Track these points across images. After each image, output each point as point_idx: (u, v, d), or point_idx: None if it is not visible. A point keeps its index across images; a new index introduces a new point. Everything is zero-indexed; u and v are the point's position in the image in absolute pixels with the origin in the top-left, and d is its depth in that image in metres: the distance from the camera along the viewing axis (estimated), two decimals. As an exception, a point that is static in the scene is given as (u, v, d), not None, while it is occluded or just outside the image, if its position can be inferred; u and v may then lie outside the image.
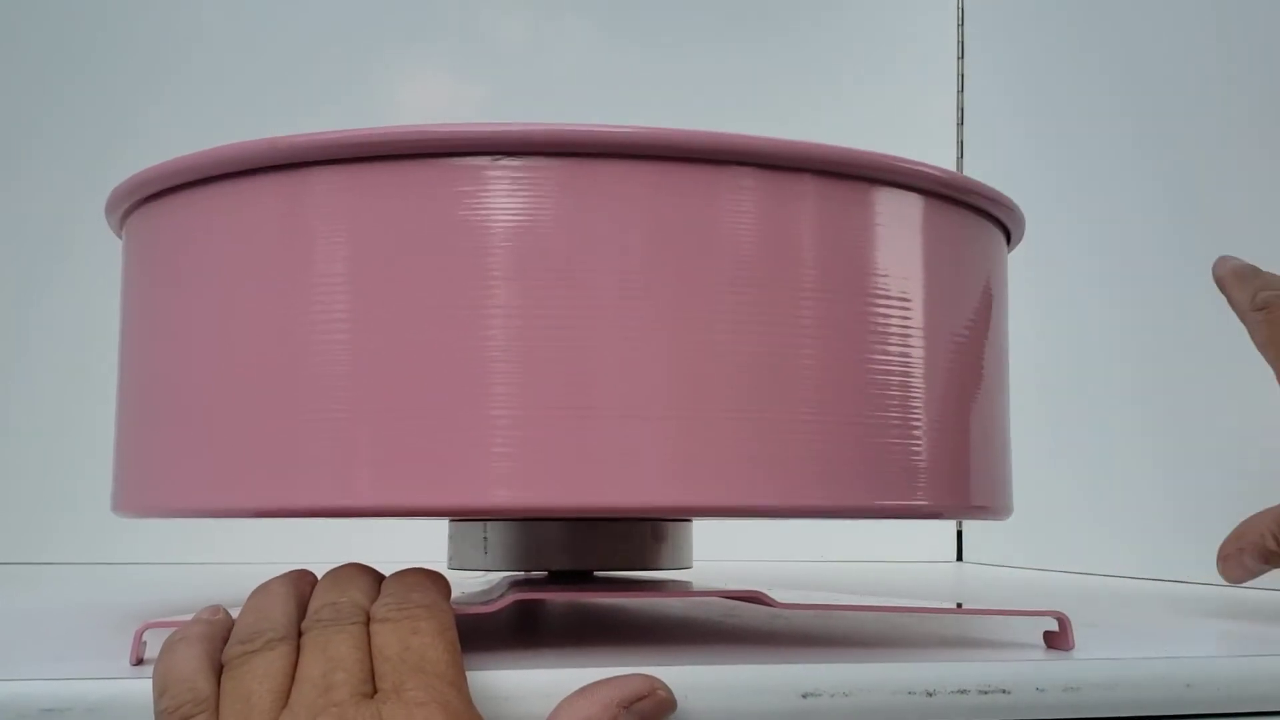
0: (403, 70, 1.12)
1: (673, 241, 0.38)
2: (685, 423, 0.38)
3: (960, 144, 1.17)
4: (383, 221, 0.38)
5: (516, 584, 0.50)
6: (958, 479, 0.43)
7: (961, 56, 1.19)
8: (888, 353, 0.41)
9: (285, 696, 0.33)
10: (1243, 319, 0.58)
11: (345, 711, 0.32)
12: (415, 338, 0.37)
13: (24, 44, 1.04)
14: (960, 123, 1.18)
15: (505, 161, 0.38)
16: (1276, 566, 0.54)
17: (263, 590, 0.38)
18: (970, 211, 0.45)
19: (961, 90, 1.18)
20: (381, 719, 0.32)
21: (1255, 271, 0.59)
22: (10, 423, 1.01)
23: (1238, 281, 0.59)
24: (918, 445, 0.41)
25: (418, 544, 0.65)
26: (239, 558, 0.91)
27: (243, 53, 1.07)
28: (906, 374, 0.41)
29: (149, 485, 0.44)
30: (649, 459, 0.37)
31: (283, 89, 1.06)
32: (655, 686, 0.36)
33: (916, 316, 0.42)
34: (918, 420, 0.42)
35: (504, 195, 0.38)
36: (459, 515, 0.50)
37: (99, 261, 0.68)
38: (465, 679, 0.34)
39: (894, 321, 0.41)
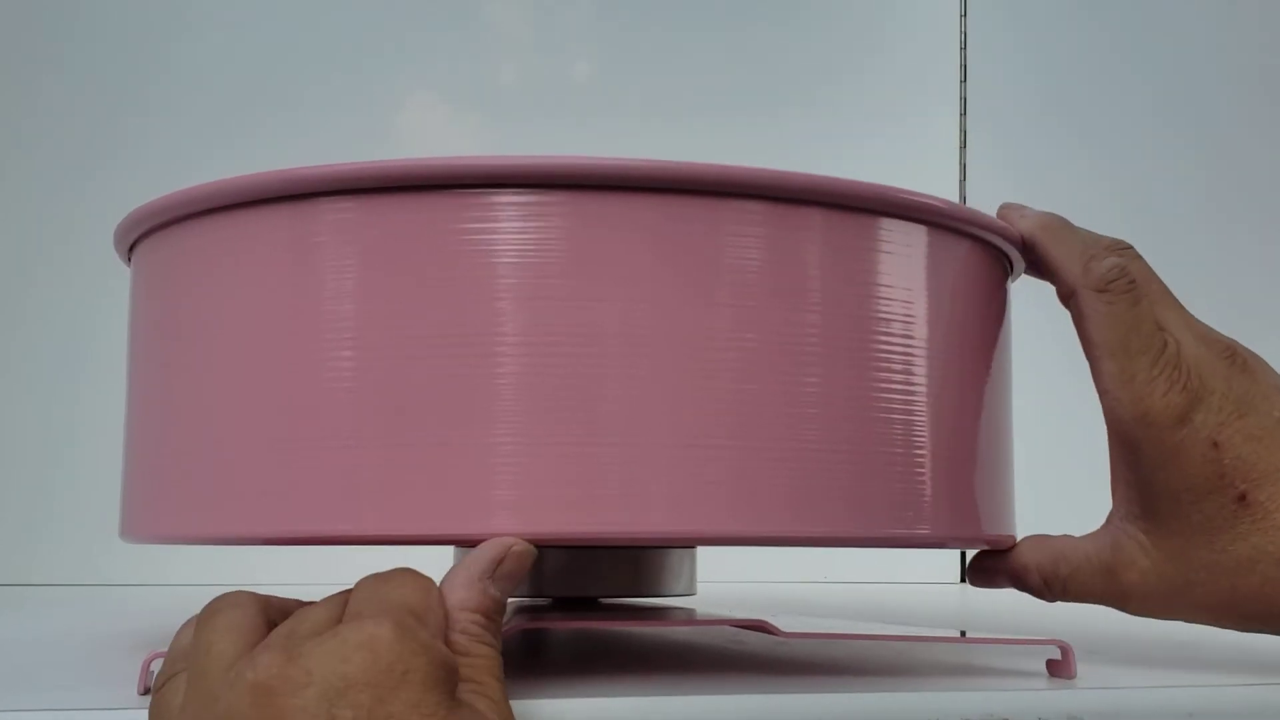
0: (401, 100, 1.13)
1: (678, 272, 0.38)
2: (689, 451, 0.38)
3: (963, 167, 1.18)
4: (390, 252, 0.38)
5: (521, 611, 0.50)
6: (961, 509, 0.43)
7: (964, 80, 1.19)
8: (891, 382, 0.41)
9: None
10: (1067, 299, 0.46)
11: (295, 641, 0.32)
12: (421, 367, 0.38)
13: (26, 74, 1.04)
14: (963, 145, 1.18)
15: (513, 194, 0.38)
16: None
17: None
18: (972, 241, 0.45)
19: (964, 114, 1.18)
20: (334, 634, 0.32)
21: (1073, 229, 0.46)
22: (11, 443, 1.01)
23: (1056, 240, 0.46)
24: (921, 474, 0.42)
25: (423, 571, 0.65)
26: (241, 581, 0.91)
27: (239, 79, 1.07)
28: (910, 403, 0.42)
29: (157, 512, 0.44)
30: (652, 488, 0.38)
31: (280, 118, 1.07)
32: (509, 545, 0.36)
33: (920, 346, 0.42)
34: (921, 450, 0.42)
35: (511, 226, 0.38)
36: (463, 543, 0.50)
37: (102, 282, 0.69)
38: (442, 620, 0.35)
39: (897, 351, 0.41)
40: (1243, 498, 0.41)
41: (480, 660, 0.34)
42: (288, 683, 0.30)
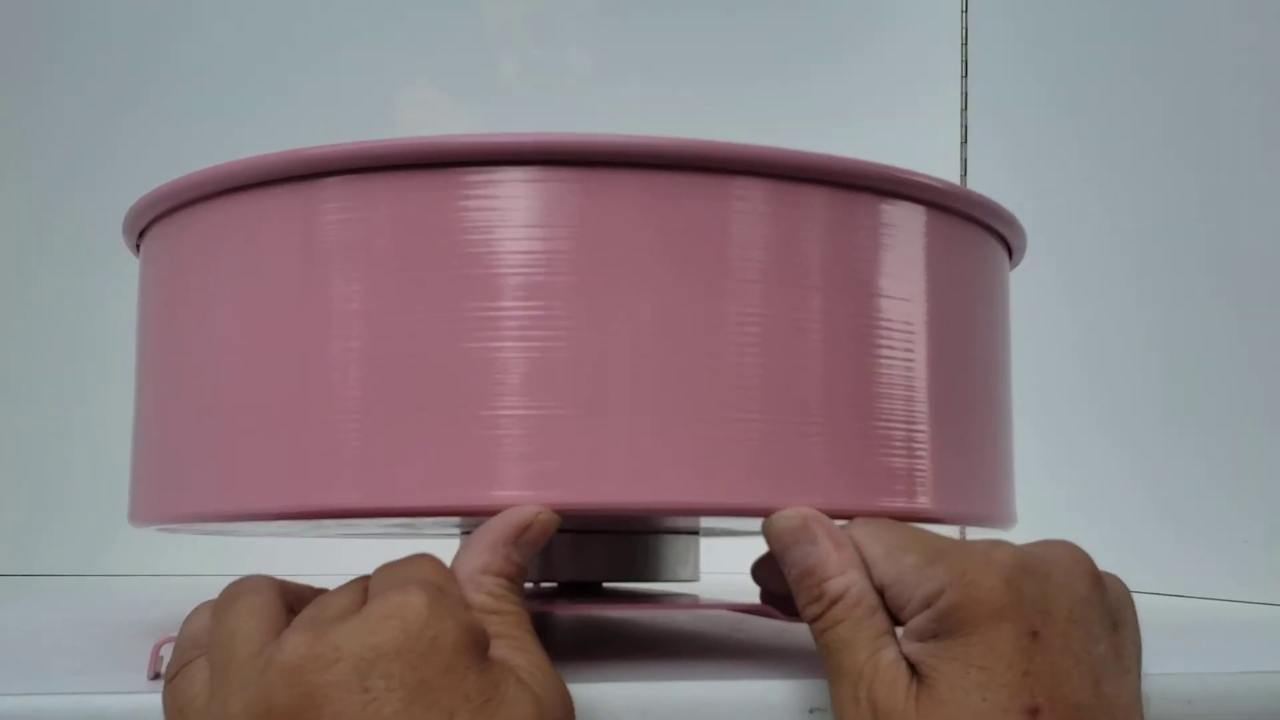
0: (401, 90, 1.13)
1: (682, 248, 0.39)
2: (693, 425, 0.38)
3: (964, 162, 1.18)
4: (397, 230, 0.39)
5: (525, 596, 0.50)
6: (960, 486, 0.44)
7: (965, 75, 1.19)
8: (891, 360, 0.41)
9: None
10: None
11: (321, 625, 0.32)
12: (429, 343, 0.38)
13: (31, 65, 1.04)
14: (964, 140, 1.18)
15: (518, 170, 0.38)
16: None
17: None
18: (972, 224, 0.46)
19: (965, 109, 1.19)
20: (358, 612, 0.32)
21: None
22: (19, 433, 1.01)
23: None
24: (921, 450, 0.42)
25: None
26: (245, 571, 0.91)
27: (242, 70, 1.08)
28: (909, 381, 0.42)
29: (167, 494, 0.44)
30: (657, 460, 0.38)
31: (282, 109, 1.07)
32: (535, 512, 0.36)
33: (919, 325, 0.42)
34: (920, 427, 0.42)
35: (517, 204, 0.38)
36: (471, 516, 0.51)
37: (107, 274, 0.69)
38: (460, 594, 0.35)
39: (897, 329, 0.42)
40: (1034, 711, 0.33)
41: (509, 615, 0.35)
42: (317, 660, 0.30)
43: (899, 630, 0.36)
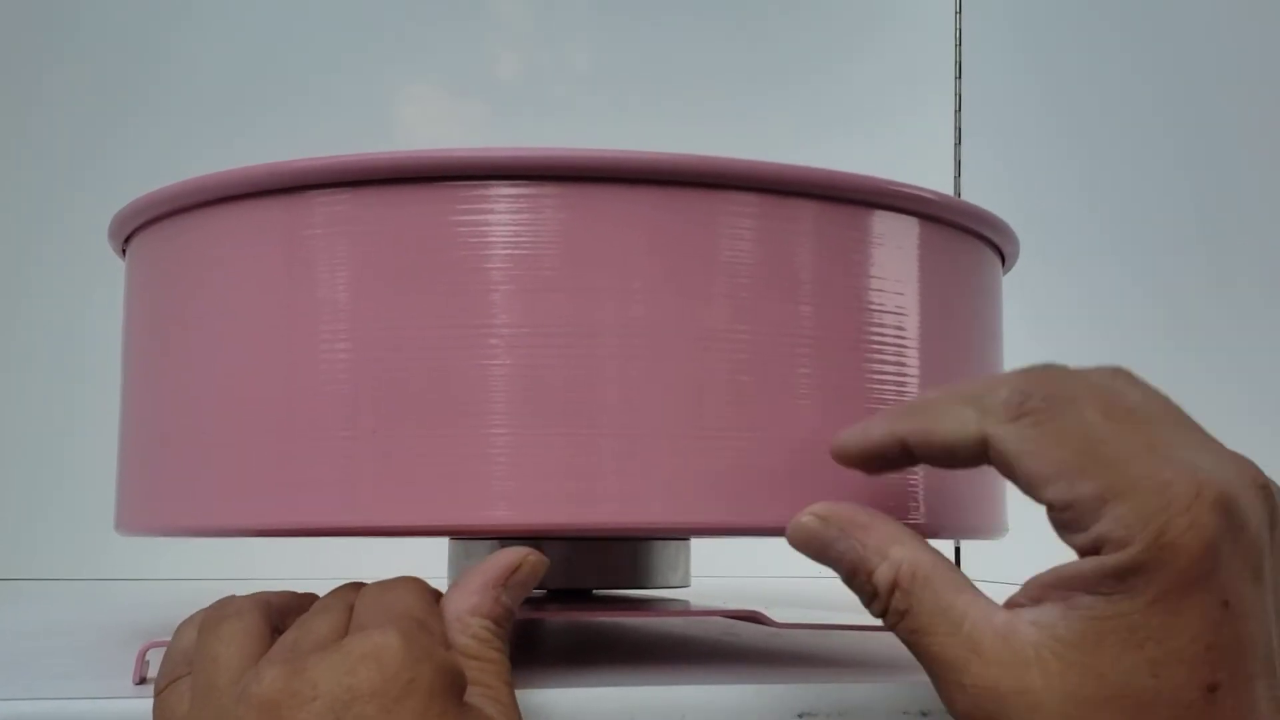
0: (400, 91, 1.13)
1: (672, 264, 0.38)
2: (684, 442, 0.38)
3: (957, 163, 1.18)
4: (384, 244, 0.39)
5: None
6: (952, 498, 0.44)
7: (959, 77, 1.19)
8: (884, 374, 0.41)
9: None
10: (982, 451, 0.32)
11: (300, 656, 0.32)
12: (417, 359, 0.38)
13: (20, 68, 1.04)
14: (958, 143, 1.18)
15: (506, 185, 0.38)
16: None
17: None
18: (964, 234, 0.45)
19: (959, 110, 1.19)
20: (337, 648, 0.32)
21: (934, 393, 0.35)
22: (7, 438, 1.01)
23: (933, 417, 0.34)
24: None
25: (419, 564, 0.65)
26: (235, 575, 0.91)
27: (236, 73, 1.07)
28: (902, 395, 0.42)
29: (153, 505, 0.44)
30: (649, 478, 0.38)
31: (278, 110, 1.07)
32: (525, 554, 0.36)
33: (912, 337, 0.42)
34: (914, 441, 0.42)
35: (505, 218, 0.38)
36: (460, 534, 0.50)
37: (97, 277, 0.69)
38: (443, 626, 0.35)
39: (889, 343, 0.42)
40: (1213, 688, 0.29)
41: (490, 665, 0.34)
42: (294, 697, 0.30)
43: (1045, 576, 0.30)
